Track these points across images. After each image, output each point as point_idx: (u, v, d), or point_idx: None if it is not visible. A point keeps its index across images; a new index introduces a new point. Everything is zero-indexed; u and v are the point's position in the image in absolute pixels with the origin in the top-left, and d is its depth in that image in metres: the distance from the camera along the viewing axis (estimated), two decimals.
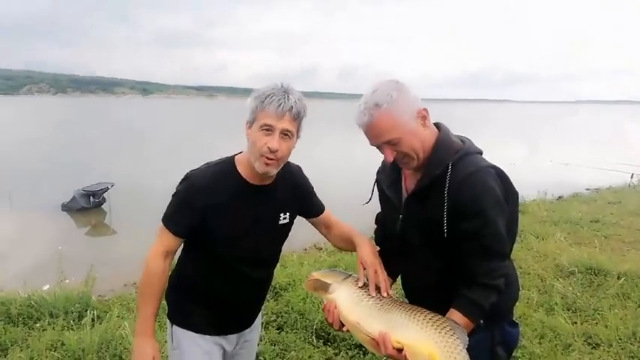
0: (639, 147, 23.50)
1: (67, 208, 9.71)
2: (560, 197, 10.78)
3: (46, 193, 10.69)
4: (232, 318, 1.80)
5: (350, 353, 3.21)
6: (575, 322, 3.71)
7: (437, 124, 1.62)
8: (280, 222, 1.75)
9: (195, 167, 1.69)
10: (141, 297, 1.68)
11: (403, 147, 1.51)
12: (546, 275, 4.81)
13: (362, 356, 3.18)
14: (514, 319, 1.72)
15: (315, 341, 3.37)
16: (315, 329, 3.47)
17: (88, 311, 3.75)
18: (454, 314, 1.46)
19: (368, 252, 1.65)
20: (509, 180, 1.55)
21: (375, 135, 1.52)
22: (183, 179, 1.65)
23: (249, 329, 1.88)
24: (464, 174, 1.47)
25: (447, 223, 1.47)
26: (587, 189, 12.34)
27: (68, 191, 9.88)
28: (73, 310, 3.85)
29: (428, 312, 1.43)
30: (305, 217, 1.89)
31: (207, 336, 1.75)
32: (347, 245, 1.83)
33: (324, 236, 1.94)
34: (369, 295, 1.52)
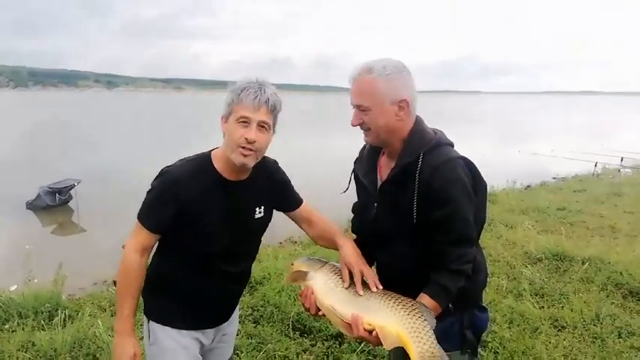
0: (603, 137, 24.38)
1: (31, 206, 9.41)
2: (528, 186, 11.09)
3: (9, 191, 10.30)
4: (209, 313, 1.80)
5: (326, 344, 3.25)
6: (543, 307, 3.85)
7: (418, 117, 1.66)
8: (256, 216, 1.76)
9: (170, 163, 1.68)
10: (119, 295, 1.67)
11: (368, 117, 1.58)
12: (515, 262, 4.96)
13: (338, 346, 3.22)
14: (483, 304, 1.78)
15: (291, 333, 3.39)
16: (292, 322, 3.49)
17: (59, 311, 3.67)
18: (423, 298, 1.52)
19: (351, 252, 1.67)
20: (477, 171, 1.61)
21: (353, 93, 1.60)
22: (158, 175, 1.64)
23: (226, 323, 1.88)
24: (434, 164, 1.53)
25: (417, 210, 1.54)
26: (554, 178, 12.74)
27: (32, 189, 9.59)
28: (42, 310, 3.76)
29: (398, 296, 1.50)
30: (283, 212, 1.89)
31: (185, 331, 1.74)
32: (328, 244, 1.84)
33: (305, 232, 1.94)
34: (343, 281, 1.58)
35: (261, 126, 1.57)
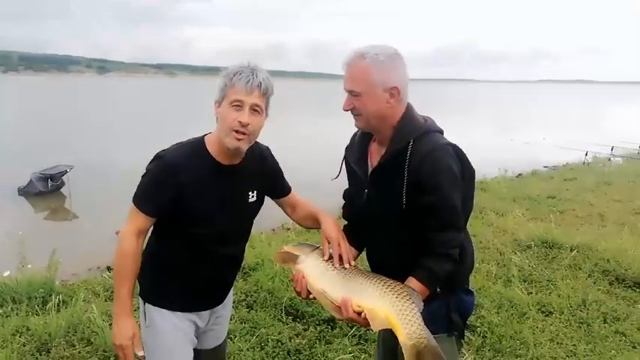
0: (594, 125, 24.53)
1: (23, 192, 9.37)
2: (519, 175, 11.20)
3: (1, 176, 10.24)
4: (204, 295, 1.83)
5: (319, 328, 3.30)
6: (531, 293, 3.93)
7: (409, 104, 1.68)
8: (249, 200, 1.79)
9: (165, 148, 1.69)
10: (116, 277, 1.69)
11: (359, 103, 1.61)
12: (505, 249, 5.04)
13: (330, 330, 3.28)
14: (470, 288, 1.83)
15: (284, 318, 3.45)
16: (285, 306, 3.54)
17: (53, 296, 3.68)
18: (412, 281, 1.56)
19: (331, 226, 1.74)
20: (466, 158, 1.64)
21: (346, 79, 1.62)
22: (154, 159, 1.66)
23: (221, 305, 1.92)
24: (424, 151, 1.56)
25: (406, 196, 1.57)
26: (545, 166, 12.85)
27: (24, 175, 9.53)
28: (36, 295, 3.78)
29: (387, 279, 1.54)
30: (271, 198, 1.93)
31: (180, 313, 1.78)
32: (312, 223, 1.90)
33: (289, 216, 1.99)
34: (333, 265, 1.64)
35: (254, 109, 1.59)
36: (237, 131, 1.58)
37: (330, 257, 1.68)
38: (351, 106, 1.64)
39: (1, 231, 6.83)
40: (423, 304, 1.50)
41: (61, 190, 9.71)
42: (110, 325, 3.17)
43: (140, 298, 1.83)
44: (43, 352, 3.04)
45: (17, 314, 3.49)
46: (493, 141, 18.04)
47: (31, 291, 3.83)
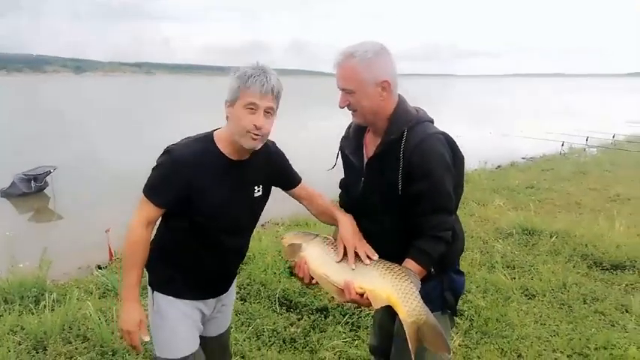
0: (569, 116, 25.07)
1: (6, 194, 9.21)
2: (499, 166, 11.42)
3: None
4: (211, 284, 1.91)
5: (312, 317, 3.40)
6: (514, 278, 4.09)
7: (401, 96, 1.78)
8: (255, 195, 1.85)
9: (174, 142, 1.75)
10: (125, 266, 1.75)
11: (354, 99, 1.70)
12: (487, 237, 5.21)
13: (323, 319, 3.38)
14: (460, 269, 1.94)
15: (278, 309, 3.53)
16: (278, 298, 3.63)
17: (46, 295, 3.70)
18: (408, 263, 1.67)
19: (348, 228, 1.78)
20: (456, 146, 1.75)
21: (338, 78, 1.71)
22: (165, 152, 1.71)
23: (225, 294, 1.99)
24: (416, 140, 1.66)
25: (402, 183, 1.67)
26: (523, 158, 13.11)
27: (6, 176, 9.38)
28: (29, 294, 3.79)
29: (386, 262, 1.66)
30: (284, 190, 1.99)
31: (187, 300, 1.84)
32: (328, 219, 1.95)
33: (306, 207, 2.04)
34: (335, 250, 1.72)
35: (267, 112, 1.66)
36: (252, 133, 1.64)
37: (331, 242, 1.77)
38: (346, 103, 1.73)
39: None
40: (420, 283, 1.61)
41: (45, 191, 9.57)
42: (106, 321, 3.24)
43: (149, 286, 1.89)
44: (40, 350, 3.07)
45: (10, 314, 3.50)
46: (473, 134, 18.29)
47: (22, 291, 3.84)
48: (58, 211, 8.69)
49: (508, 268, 4.32)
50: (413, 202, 1.67)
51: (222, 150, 1.73)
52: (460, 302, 3.51)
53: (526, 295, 3.80)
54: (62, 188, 9.22)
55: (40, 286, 3.95)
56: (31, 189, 9.21)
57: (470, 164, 10.25)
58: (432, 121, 1.77)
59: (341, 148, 1.93)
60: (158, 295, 1.85)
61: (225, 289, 1.98)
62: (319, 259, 1.72)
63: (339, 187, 2.00)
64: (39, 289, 3.89)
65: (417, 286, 1.58)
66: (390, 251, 1.71)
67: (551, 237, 5.00)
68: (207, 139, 1.75)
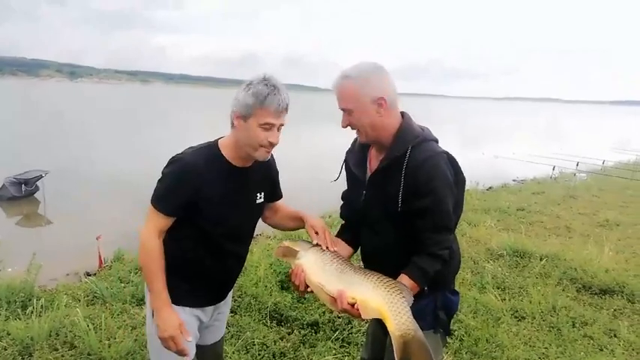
0: (560, 141, 25.42)
1: None
2: (490, 188, 11.53)
3: None
4: (213, 290, 1.92)
5: (302, 332, 3.38)
6: (504, 299, 4.11)
7: (402, 113, 1.82)
8: (257, 201, 1.90)
9: (179, 152, 1.77)
10: (148, 276, 1.74)
11: (353, 119, 1.74)
12: (478, 258, 5.24)
13: (314, 334, 3.37)
14: (455, 288, 1.95)
15: (269, 322, 3.51)
16: (269, 311, 3.61)
17: (34, 300, 3.65)
18: (403, 278, 1.69)
19: (316, 220, 1.89)
20: (458, 166, 1.79)
21: (338, 99, 1.76)
22: (173, 161, 1.73)
23: (224, 301, 2.01)
24: (421, 158, 1.69)
25: (402, 198, 1.69)
26: (514, 180, 13.27)
27: None
28: (16, 299, 3.74)
29: (381, 275, 1.66)
30: (267, 201, 2.01)
31: (187, 308, 1.84)
32: (294, 223, 2.02)
33: (269, 219, 2.09)
34: (331, 261, 1.74)
35: (279, 127, 1.72)
36: (266, 147, 1.71)
37: (328, 253, 1.78)
38: (347, 124, 1.78)
39: None
40: (412, 299, 1.62)
41: (35, 195, 9.49)
42: (94, 328, 3.20)
43: (148, 294, 1.88)
44: (26, 356, 3.02)
45: None
46: (465, 155, 18.42)
47: (10, 295, 3.79)
48: (48, 216, 8.61)
49: (499, 289, 4.34)
50: (414, 218, 1.69)
51: (226, 157, 1.77)
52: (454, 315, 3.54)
53: (516, 317, 3.81)
54: (53, 193, 9.14)
55: (28, 291, 3.90)
56: (21, 193, 9.14)
57: None
58: (436, 141, 1.80)
59: (345, 161, 1.97)
60: None
61: (224, 295, 1.99)
62: (315, 268, 1.74)
63: (341, 199, 2.03)
64: (26, 294, 3.85)
65: (409, 302, 1.60)
66: (388, 264, 1.73)
67: (541, 260, 5.03)
68: (212, 147, 1.79)
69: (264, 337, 3.29)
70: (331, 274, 1.70)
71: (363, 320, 1.65)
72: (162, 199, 1.73)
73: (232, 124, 1.73)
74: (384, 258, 1.80)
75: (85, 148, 15.90)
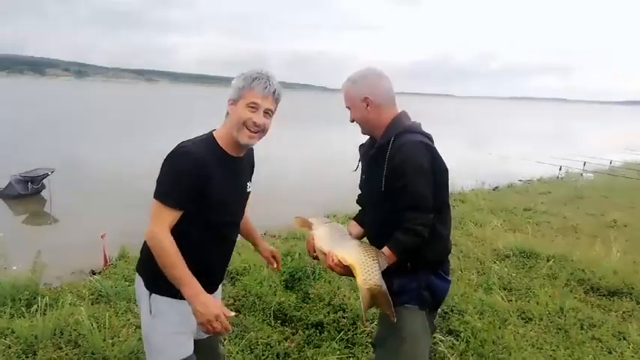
0: (567, 141, 25.26)
1: (2, 194, 9.15)
2: (496, 187, 11.47)
3: None
4: (210, 280, 1.94)
5: (307, 332, 3.36)
6: (511, 300, 4.07)
7: (402, 111, 2.11)
8: (247, 190, 2.01)
9: (182, 143, 1.80)
10: (173, 270, 1.69)
11: (352, 114, 2.12)
12: (485, 258, 5.19)
13: (318, 335, 3.34)
14: (445, 275, 2.12)
15: (273, 322, 3.49)
16: (273, 311, 3.59)
17: (38, 298, 3.66)
18: (384, 248, 1.95)
19: (267, 248, 2.28)
20: (438, 155, 1.99)
21: (343, 99, 2.13)
22: (176, 154, 1.73)
23: (216, 292, 2.04)
24: (398, 145, 1.96)
25: (385, 181, 1.97)
26: (521, 180, 13.19)
27: (3, 177, 9.33)
28: (21, 297, 3.74)
29: (364, 243, 2.02)
30: None
31: (184, 300, 1.81)
32: (246, 237, 2.26)
33: None
34: (334, 233, 2.11)
35: (266, 112, 1.81)
36: (249, 129, 1.79)
37: (335, 228, 2.15)
38: (351, 118, 2.14)
39: None
40: (386, 264, 1.90)
41: (42, 193, 9.51)
42: (98, 327, 3.19)
43: (144, 290, 1.87)
44: (30, 355, 3.02)
45: (1, 316, 3.46)
46: (471, 154, 18.40)
47: (15, 293, 3.79)
48: (54, 214, 8.61)
49: (505, 290, 4.29)
50: (395, 198, 1.94)
51: (223, 147, 1.84)
52: (457, 323, 3.51)
53: (523, 319, 3.76)
54: (59, 191, 9.14)
55: (33, 289, 3.90)
56: (27, 191, 9.17)
57: (467, 184, 10.32)
58: (420, 133, 2.03)
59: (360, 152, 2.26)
60: (156, 298, 1.83)
61: (218, 284, 2.05)
62: (322, 238, 2.09)
63: (359, 187, 2.31)
64: (31, 292, 3.84)
65: (381, 265, 1.89)
66: (380, 238, 2.01)
67: (548, 260, 4.98)
68: (210, 138, 1.85)
69: (268, 337, 3.27)
70: (330, 241, 2.06)
71: (344, 275, 2.03)
72: (170, 193, 1.71)
73: (227, 113, 1.83)
74: (377, 234, 2.11)
75: (91, 146, 15.97)
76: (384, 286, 1.86)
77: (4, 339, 3.14)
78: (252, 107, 1.77)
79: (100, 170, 11.49)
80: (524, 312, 3.84)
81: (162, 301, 1.83)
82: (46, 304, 3.59)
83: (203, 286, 1.86)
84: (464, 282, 4.37)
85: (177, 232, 1.77)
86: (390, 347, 2.04)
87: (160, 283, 1.82)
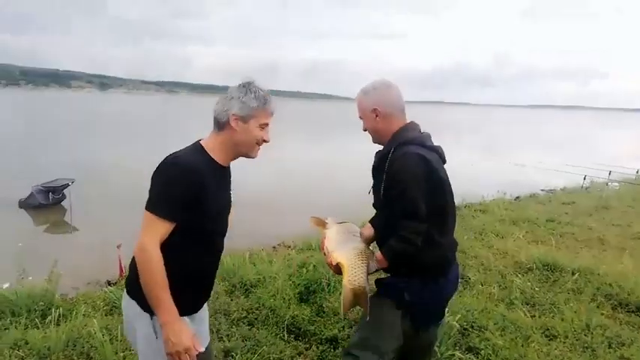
0: (591, 150, 24.68)
1: (24, 204, 9.33)
2: (517, 197, 11.21)
3: (2, 188, 10.20)
4: (202, 293, 1.94)
5: (320, 348, 3.27)
6: (534, 316, 3.90)
7: (410, 122, 2.22)
8: (231, 199, 2.02)
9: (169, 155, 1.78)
10: (154, 290, 1.65)
11: (364, 124, 2.25)
12: (506, 271, 5.02)
13: (332, 350, 3.25)
14: (434, 283, 2.16)
15: (286, 336, 3.41)
16: (287, 325, 3.51)
17: (53, 309, 3.66)
18: (378, 252, 2.10)
19: None
20: (436, 167, 2.07)
21: (357, 109, 2.25)
22: (170, 165, 1.70)
23: (200, 310, 2.00)
24: (397, 156, 2.06)
25: (384, 189, 2.11)
26: (543, 190, 12.89)
27: (25, 187, 9.51)
28: (36, 308, 3.75)
29: (362, 246, 2.12)
30: None
31: (185, 317, 1.80)
32: None
33: None
34: (342, 234, 2.18)
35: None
36: (259, 145, 1.88)
37: (346, 229, 2.21)
38: (363, 127, 2.26)
39: (1, 243, 6.78)
40: (375, 266, 2.06)
41: (62, 203, 9.66)
42: (110, 339, 3.16)
43: (143, 313, 1.78)
44: None
45: (16, 327, 3.46)
46: (491, 163, 18.12)
47: (30, 304, 3.80)
48: (74, 224, 8.71)
49: (528, 305, 4.13)
50: (392, 205, 2.05)
51: (213, 157, 1.83)
52: (477, 340, 3.37)
53: (547, 336, 3.59)
54: (80, 201, 9.26)
55: (48, 299, 3.90)
56: (48, 201, 9.33)
57: (488, 193, 10.11)
58: (421, 144, 2.10)
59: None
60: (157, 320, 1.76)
61: (209, 296, 2.03)
62: (331, 238, 2.19)
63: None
64: (47, 302, 3.84)
65: (370, 268, 2.04)
66: (382, 241, 2.15)
67: (573, 274, 4.79)
68: (198, 148, 1.83)
69: (280, 352, 3.19)
70: (335, 242, 2.16)
71: (339, 275, 2.12)
72: (164, 204, 1.67)
73: (222, 125, 1.80)
74: (381, 236, 2.22)
75: (112, 157, 16.21)
76: (368, 288, 2.03)
77: (18, 350, 3.13)
78: (264, 127, 1.84)
79: (121, 180, 11.59)
80: (548, 329, 3.67)
81: None
82: (59, 315, 3.59)
83: (200, 298, 1.90)
84: (484, 296, 4.23)
85: (171, 243, 1.72)
86: (358, 327, 2.27)
87: None
